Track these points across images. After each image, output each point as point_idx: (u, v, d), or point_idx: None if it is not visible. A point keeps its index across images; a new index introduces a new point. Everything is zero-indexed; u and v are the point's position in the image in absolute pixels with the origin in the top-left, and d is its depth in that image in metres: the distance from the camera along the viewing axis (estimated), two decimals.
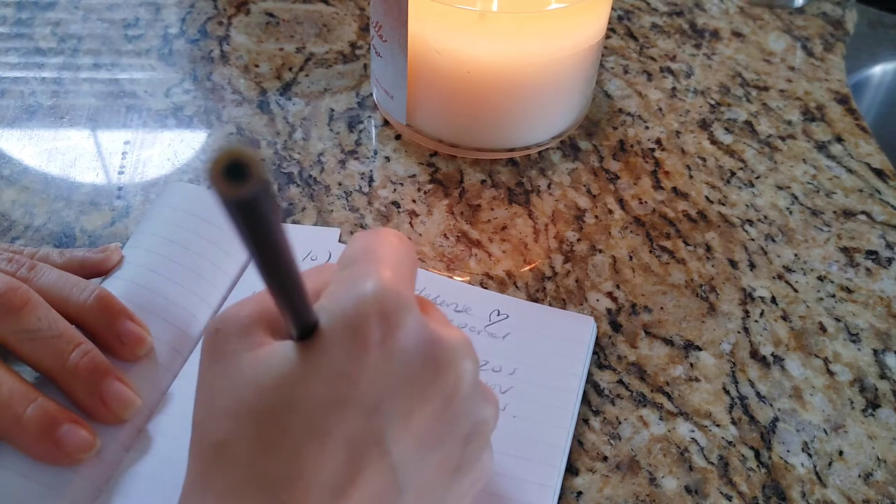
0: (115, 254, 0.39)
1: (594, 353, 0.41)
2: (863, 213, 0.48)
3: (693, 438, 0.38)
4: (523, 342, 0.40)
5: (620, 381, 0.40)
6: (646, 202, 0.48)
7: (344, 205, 0.47)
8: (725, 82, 0.56)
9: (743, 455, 0.38)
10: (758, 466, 0.38)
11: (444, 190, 0.48)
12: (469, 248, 0.45)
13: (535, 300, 0.43)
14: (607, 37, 0.58)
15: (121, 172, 0.48)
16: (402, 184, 0.48)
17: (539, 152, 0.50)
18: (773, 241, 0.47)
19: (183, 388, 0.37)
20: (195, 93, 0.53)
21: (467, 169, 0.49)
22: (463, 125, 0.48)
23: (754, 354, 0.42)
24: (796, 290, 0.44)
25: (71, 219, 0.46)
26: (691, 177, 0.50)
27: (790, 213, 0.48)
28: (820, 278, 0.45)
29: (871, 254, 0.46)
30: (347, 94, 0.53)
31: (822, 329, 0.43)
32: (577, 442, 0.38)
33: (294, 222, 0.46)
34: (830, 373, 0.41)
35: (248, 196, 0.16)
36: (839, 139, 0.53)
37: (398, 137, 0.51)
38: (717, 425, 0.39)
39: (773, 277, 0.45)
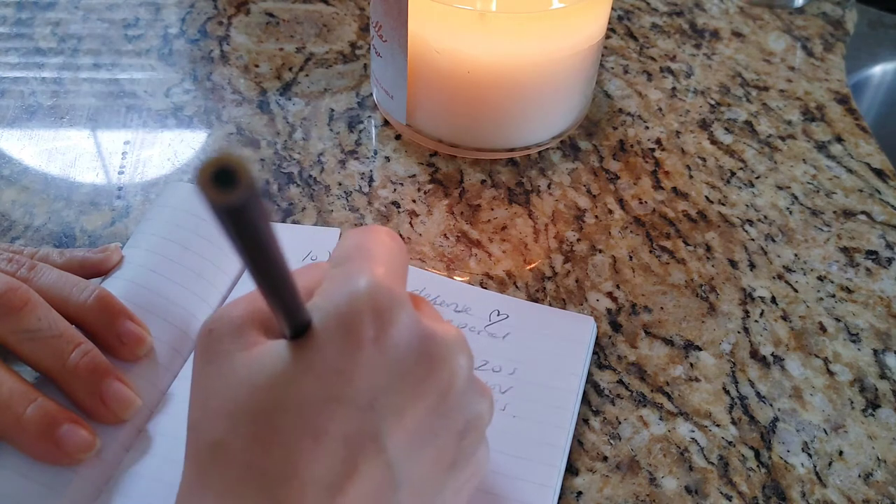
0: (115, 254, 0.39)
1: (594, 353, 0.41)
2: (863, 213, 0.48)
3: (693, 438, 0.38)
4: (523, 342, 0.40)
5: (620, 381, 0.40)
6: (646, 202, 0.48)
7: (344, 205, 0.47)
8: (725, 82, 0.56)
9: (743, 455, 0.38)
10: (758, 466, 0.38)
11: (444, 190, 0.48)
12: (469, 248, 0.45)
13: (535, 300, 0.43)
14: (607, 37, 0.58)
15: (121, 172, 0.48)
16: (402, 184, 0.48)
17: (539, 152, 0.50)
18: (773, 241, 0.47)
19: (183, 388, 0.37)
20: (195, 93, 0.53)
21: (467, 169, 0.49)
22: (463, 125, 0.48)
23: (754, 354, 0.42)
24: (796, 290, 0.44)
25: (71, 219, 0.46)
26: (691, 177, 0.50)
27: (790, 213, 0.48)
28: (820, 278, 0.45)
29: (871, 254, 0.46)
30: (347, 94, 0.53)
31: (822, 329, 0.43)
32: (577, 442, 0.38)
33: (294, 222, 0.46)
34: (830, 373, 0.41)
35: (237, 203, 0.16)
36: (839, 139, 0.53)
37: (398, 137, 0.51)
38: (717, 425, 0.39)
39: (773, 277, 0.45)
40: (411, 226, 0.46)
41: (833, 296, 0.44)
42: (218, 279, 0.40)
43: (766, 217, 0.48)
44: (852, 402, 0.40)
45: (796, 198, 0.49)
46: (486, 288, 0.43)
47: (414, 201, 0.47)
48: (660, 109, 0.54)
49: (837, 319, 0.43)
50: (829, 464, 0.38)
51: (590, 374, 0.40)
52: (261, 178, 0.48)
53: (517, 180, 0.49)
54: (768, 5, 0.62)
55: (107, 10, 0.59)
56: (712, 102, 0.54)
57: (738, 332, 0.42)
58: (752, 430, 0.39)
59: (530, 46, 0.44)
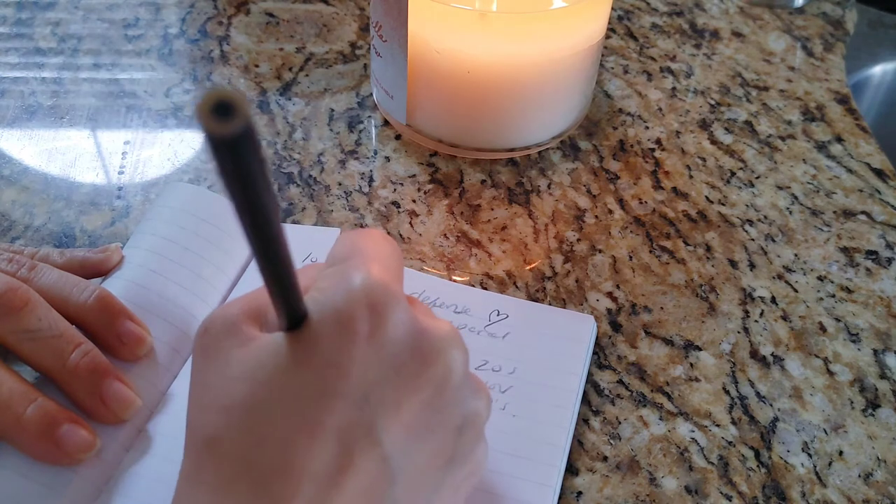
0: (115, 254, 0.39)
1: (594, 352, 0.41)
2: (863, 213, 0.48)
3: (693, 438, 0.38)
4: (523, 342, 0.40)
5: (620, 381, 0.40)
6: (646, 202, 0.48)
7: (344, 205, 0.47)
8: (725, 82, 0.56)
9: (743, 455, 0.38)
10: (758, 466, 0.38)
11: (444, 190, 0.48)
12: (469, 248, 0.45)
13: (535, 300, 0.43)
14: (607, 37, 0.58)
15: (121, 172, 0.48)
16: (402, 184, 0.48)
17: (539, 152, 0.50)
18: (773, 241, 0.47)
19: (183, 388, 0.37)
20: (195, 93, 0.53)
21: (467, 169, 0.49)
22: (463, 125, 0.48)
23: (754, 354, 0.42)
24: (796, 290, 0.44)
25: (71, 219, 0.46)
26: (691, 177, 0.50)
27: (790, 213, 0.48)
28: (820, 278, 0.45)
29: (871, 254, 0.46)
30: (347, 94, 0.53)
31: (822, 329, 0.43)
32: (577, 442, 0.38)
33: (294, 222, 0.46)
34: (830, 373, 0.41)
35: (235, 132, 0.17)
36: (839, 139, 0.53)
37: (398, 137, 0.51)
38: (717, 425, 0.39)
39: (773, 277, 0.45)
40: (411, 226, 0.46)
41: (833, 296, 0.44)
42: (218, 280, 0.40)
43: (766, 217, 0.48)
44: (852, 402, 0.40)
45: (796, 198, 0.49)
46: (486, 288, 0.43)
47: (414, 201, 0.47)
48: (660, 109, 0.54)
49: (837, 319, 0.43)
50: (829, 464, 0.38)
51: (590, 374, 0.40)
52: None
53: (517, 180, 0.49)
54: (768, 5, 0.62)
55: (107, 10, 0.59)
56: (712, 102, 0.54)
57: (738, 332, 0.42)
58: (752, 430, 0.39)
59: (530, 46, 0.44)
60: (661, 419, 0.39)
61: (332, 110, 0.52)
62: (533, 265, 0.45)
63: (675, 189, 0.49)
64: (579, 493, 0.36)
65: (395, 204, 0.47)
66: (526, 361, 0.39)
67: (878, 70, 0.62)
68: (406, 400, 0.27)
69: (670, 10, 0.61)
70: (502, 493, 0.35)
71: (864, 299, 0.44)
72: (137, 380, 0.35)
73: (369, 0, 0.60)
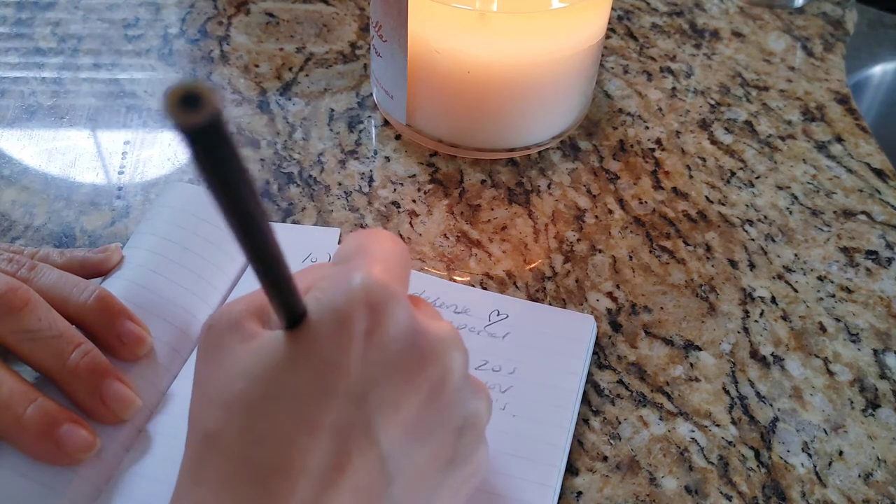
0: (115, 254, 0.39)
1: (594, 352, 0.41)
2: (863, 213, 0.48)
3: (693, 438, 0.38)
4: (523, 342, 0.40)
5: (620, 381, 0.40)
6: (646, 202, 0.48)
7: (344, 205, 0.47)
8: (725, 82, 0.56)
9: (743, 455, 0.38)
10: (758, 466, 0.38)
11: (444, 190, 0.48)
12: (469, 248, 0.45)
13: (535, 300, 0.43)
14: (607, 37, 0.58)
15: (121, 172, 0.48)
16: (402, 184, 0.48)
17: (539, 152, 0.50)
18: (773, 241, 0.47)
19: (183, 388, 0.37)
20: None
21: (467, 169, 0.49)
22: (463, 125, 0.48)
23: (754, 354, 0.42)
24: (796, 290, 0.44)
25: (71, 219, 0.46)
26: (691, 177, 0.50)
27: (790, 213, 0.48)
28: (820, 278, 0.45)
29: (871, 254, 0.46)
30: (347, 94, 0.53)
31: (822, 329, 0.43)
32: (577, 442, 0.38)
33: (294, 222, 0.46)
34: (830, 373, 0.41)
35: (203, 122, 0.17)
36: (839, 139, 0.53)
37: (398, 137, 0.51)
38: (717, 425, 0.39)
39: (773, 277, 0.45)
40: (411, 226, 0.46)
41: (833, 296, 0.44)
42: (218, 280, 0.40)
43: (766, 217, 0.48)
44: (852, 402, 0.40)
45: (796, 198, 0.49)
46: (486, 288, 0.43)
47: (414, 201, 0.47)
48: (660, 109, 0.54)
49: (837, 319, 0.43)
50: (829, 464, 0.38)
51: (590, 374, 0.40)
52: (261, 178, 0.48)
53: (517, 180, 0.49)
54: (768, 5, 0.62)
55: (107, 10, 0.59)
56: (712, 102, 0.54)
57: (738, 332, 0.42)
58: (752, 430, 0.39)
59: (530, 46, 0.44)
60: (661, 419, 0.39)
61: (332, 110, 0.52)
62: (533, 265, 0.45)
63: (675, 189, 0.49)
64: (579, 493, 0.36)
65: (395, 204, 0.47)
66: (526, 361, 0.39)
67: (878, 70, 0.62)
68: (405, 400, 0.27)
69: (670, 10, 0.61)
70: (502, 493, 0.35)
71: (864, 299, 0.44)
72: (137, 380, 0.35)
73: (369, 0, 0.60)
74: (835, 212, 0.48)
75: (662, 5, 0.61)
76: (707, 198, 0.49)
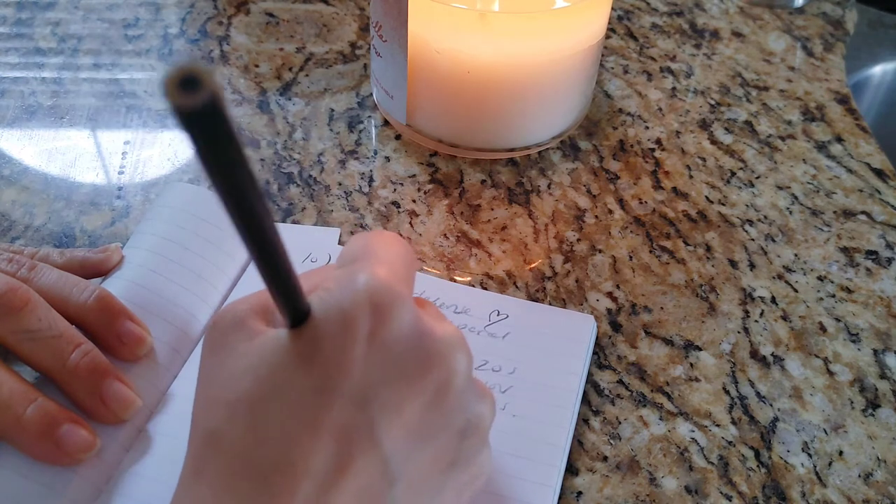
0: (115, 254, 0.39)
1: (594, 352, 0.41)
2: (863, 213, 0.48)
3: (693, 438, 0.38)
4: (523, 342, 0.40)
5: (620, 381, 0.40)
6: (646, 202, 0.48)
7: (344, 205, 0.47)
8: (725, 82, 0.56)
9: (743, 455, 0.38)
10: (758, 466, 0.38)
11: (444, 190, 0.48)
12: (469, 248, 0.45)
13: (535, 300, 0.43)
14: (607, 37, 0.58)
15: (121, 172, 0.48)
16: (402, 184, 0.48)
17: (539, 152, 0.50)
18: (773, 241, 0.47)
19: (183, 388, 0.37)
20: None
21: (467, 169, 0.49)
22: (463, 125, 0.48)
23: (754, 354, 0.42)
24: (796, 290, 0.44)
25: (71, 219, 0.46)
26: (691, 177, 0.50)
27: (790, 213, 0.48)
28: (820, 278, 0.45)
29: (871, 254, 0.46)
30: (347, 94, 0.53)
31: (822, 329, 0.43)
32: (577, 442, 0.38)
33: (294, 222, 0.46)
34: (830, 373, 0.41)
35: (201, 104, 0.17)
36: (839, 139, 0.53)
37: (398, 137, 0.51)
38: (717, 425, 0.39)
39: (773, 277, 0.45)
40: (411, 226, 0.46)
41: (833, 296, 0.44)
42: (218, 280, 0.40)
43: (766, 217, 0.48)
44: (852, 402, 0.40)
45: (796, 198, 0.49)
46: (486, 288, 0.43)
47: (414, 201, 0.47)
48: (660, 109, 0.54)
49: (837, 319, 0.43)
50: (829, 464, 0.38)
51: (590, 374, 0.40)
52: (261, 178, 0.48)
53: (517, 180, 0.49)
54: (768, 5, 0.62)
55: (107, 10, 0.59)
56: (712, 102, 0.54)
57: (738, 332, 0.42)
58: (752, 430, 0.39)
59: (530, 46, 0.44)
60: (661, 419, 0.39)
61: (332, 110, 0.52)
62: (533, 265, 0.45)
63: (675, 189, 0.49)
64: (579, 493, 0.36)
65: (395, 204, 0.47)
66: (526, 361, 0.39)
67: (878, 70, 0.62)
68: (408, 402, 0.27)
69: (670, 10, 0.61)
70: (502, 493, 0.35)
71: (864, 299, 0.44)
72: (137, 380, 0.35)
73: (369, 0, 0.60)
74: (835, 212, 0.48)
75: (662, 5, 0.61)
76: (707, 198, 0.49)
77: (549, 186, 0.49)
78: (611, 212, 0.47)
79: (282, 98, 0.53)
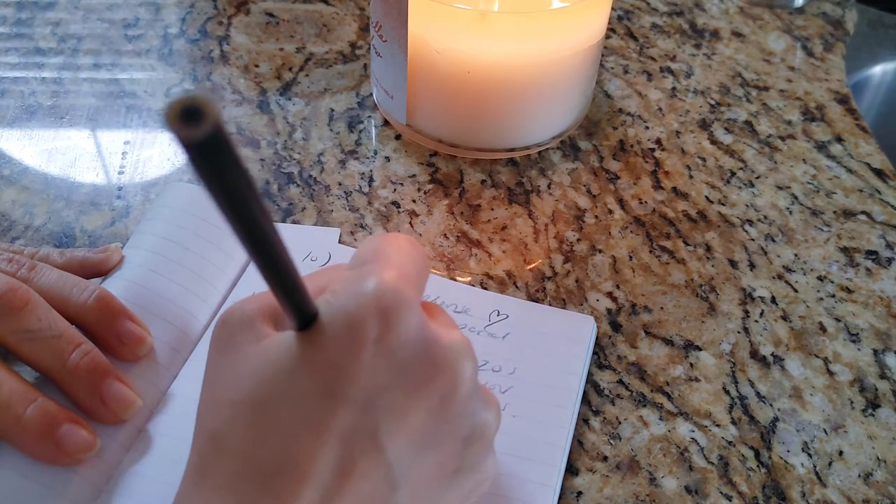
0: (115, 254, 0.39)
1: (594, 352, 0.41)
2: (863, 213, 0.48)
3: (693, 438, 0.38)
4: (523, 342, 0.40)
5: (620, 381, 0.40)
6: (646, 202, 0.48)
7: (344, 205, 0.47)
8: (725, 82, 0.56)
9: (743, 455, 0.38)
10: (758, 466, 0.38)
11: (444, 190, 0.48)
12: (469, 248, 0.45)
13: (535, 300, 0.43)
14: (607, 37, 0.58)
15: (121, 172, 0.48)
16: (402, 184, 0.48)
17: (539, 152, 0.50)
18: (773, 241, 0.47)
19: (183, 388, 0.37)
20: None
21: (467, 169, 0.49)
22: (463, 125, 0.48)
23: (754, 354, 0.42)
24: (796, 290, 0.44)
25: (71, 219, 0.46)
26: (691, 177, 0.50)
27: (790, 213, 0.48)
28: (820, 278, 0.45)
29: (871, 254, 0.46)
30: (347, 94, 0.53)
31: (822, 329, 0.43)
32: (577, 442, 0.38)
33: (294, 222, 0.46)
34: (830, 373, 0.41)
35: (204, 136, 0.17)
36: (839, 139, 0.53)
37: (398, 137, 0.51)
38: (717, 425, 0.39)
39: (773, 277, 0.45)
40: (411, 226, 0.46)
41: (833, 296, 0.44)
42: (218, 280, 0.40)
43: (766, 217, 0.48)
44: (852, 402, 0.40)
45: (796, 198, 0.49)
46: (486, 288, 0.43)
47: (414, 201, 0.47)
48: (660, 109, 0.54)
49: (837, 319, 0.43)
50: (829, 464, 0.38)
51: (590, 374, 0.40)
52: (261, 178, 0.48)
53: (517, 180, 0.49)
54: (768, 5, 0.62)
55: (107, 10, 0.59)
56: (712, 102, 0.54)
57: (738, 332, 0.42)
58: (752, 430, 0.39)
59: (530, 46, 0.44)
60: (661, 419, 0.39)
61: (332, 110, 0.52)
62: (533, 265, 0.45)
63: (675, 189, 0.49)
64: (579, 493, 0.36)
65: (395, 204, 0.47)
66: (526, 361, 0.39)
67: (878, 70, 0.62)
68: (412, 408, 0.27)
69: (670, 10, 0.61)
70: (502, 493, 0.35)
71: (864, 299, 0.44)
72: (137, 380, 0.35)
73: (369, 0, 0.60)
74: (835, 212, 0.48)
75: (662, 5, 0.61)
76: (707, 198, 0.49)
77: (549, 186, 0.49)
78: (611, 212, 0.47)
79: (282, 98, 0.53)
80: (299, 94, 0.53)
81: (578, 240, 0.46)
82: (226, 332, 0.28)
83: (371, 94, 0.53)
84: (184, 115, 0.17)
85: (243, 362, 0.27)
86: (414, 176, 0.49)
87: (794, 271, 0.45)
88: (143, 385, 0.35)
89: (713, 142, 0.52)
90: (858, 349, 0.42)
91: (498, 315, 0.41)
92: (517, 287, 0.44)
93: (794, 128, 0.53)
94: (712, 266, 0.45)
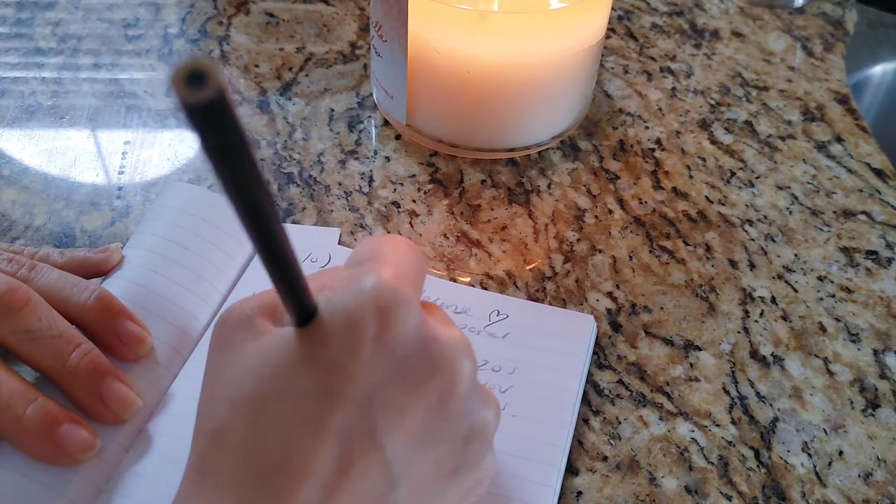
0: (115, 254, 0.39)
1: (594, 353, 0.41)
2: (863, 213, 0.48)
3: (693, 438, 0.38)
4: (523, 342, 0.40)
5: (620, 381, 0.40)
6: (646, 202, 0.48)
7: (344, 205, 0.47)
8: (725, 82, 0.56)
9: (743, 455, 0.38)
10: (758, 466, 0.38)
11: (444, 190, 0.48)
12: (469, 248, 0.45)
13: (535, 300, 0.43)
14: (607, 37, 0.58)
15: (121, 172, 0.48)
16: (402, 184, 0.48)
17: (539, 152, 0.50)
18: (773, 241, 0.47)
19: (183, 388, 0.37)
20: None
21: (467, 169, 0.49)
22: (463, 125, 0.48)
23: (754, 354, 0.42)
24: (796, 290, 0.44)
25: (71, 219, 0.46)
26: (691, 177, 0.50)
27: (790, 213, 0.48)
28: (820, 278, 0.45)
29: (871, 254, 0.46)
30: (347, 94, 0.53)
31: (822, 329, 0.43)
32: (577, 442, 0.38)
33: (294, 222, 0.46)
34: (830, 373, 0.41)
35: (208, 98, 0.17)
36: (839, 139, 0.53)
37: (398, 137, 0.51)
38: (717, 425, 0.39)
39: (773, 277, 0.45)
40: (411, 226, 0.46)
41: (833, 296, 0.44)
42: (218, 280, 0.40)
43: (766, 217, 0.48)
44: (852, 402, 0.40)
45: (796, 198, 0.49)
46: (486, 288, 0.43)
47: (414, 201, 0.47)
48: (660, 109, 0.54)
49: (837, 319, 0.43)
50: (829, 464, 0.38)
51: (590, 374, 0.40)
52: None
53: (517, 180, 0.49)
54: (768, 5, 0.62)
55: (107, 10, 0.59)
56: (712, 102, 0.54)
57: (738, 332, 0.42)
58: (752, 430, 0.39)
59: (530, 46, 0.44)
60: (661, 419, 0.39)
61: (332, 110, 0.52)
62: (533, 265, 0.45)
63: (675, 189, 0.49)
64: (579, 493, 0.36)
65: (395, 204, 0.47)
66: (526, 361, 0.39)
67: (878, 70, 0.62)
68: (411, 406, 0.27)
69: (670, 10, 0.61)
70: (502, 493, 0.35)
71: (864, 299, 0.44)
72: (137, 380, 0.35)
73: (369, 0, 0.60)
74: (835, 212, 0.48)
75: (662, 5, 0.61)
76: (707, 198, 0.49)
77: (549, 186, 0.49)
78: (611, 212, 0.47)
79: (282, 98, 0.53)
80: (299, 94, 0.53)
81: (578, 240, 0.46)
82: (225, 331, 0.28)
83: (371, 94, 0.53)
84: (189, 79, 0.17)
85: (242, 361, 0.27)
86: (414, 176, 0.49)
87: (794, 271, 0.45)
88: (143, 385, 0.35)
89: (713, 142, 0.52)
90: (858, 349, 0.42)
91: (498, 315, 0.41)
92: (517, 287, 0.44)
93: (794, 128, 0.53)
94: (712, 266, 0.45)
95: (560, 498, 0.36)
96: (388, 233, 0.46)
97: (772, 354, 0.42)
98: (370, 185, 0.48)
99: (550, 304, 0.43)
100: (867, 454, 0.38)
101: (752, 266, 0.45)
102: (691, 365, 0.41)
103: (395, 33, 0.45)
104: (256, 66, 0.55)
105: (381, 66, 0.48)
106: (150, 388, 0.36)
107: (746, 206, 0.48)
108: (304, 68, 0.55)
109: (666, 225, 0.47)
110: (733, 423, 0.39)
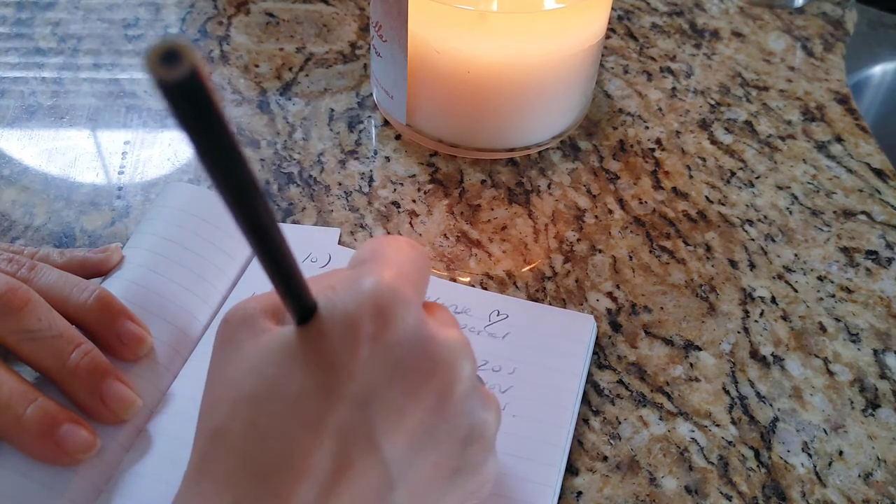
0: (115, 254, 0.39)
1: (594, 352, 0.41)
2: (863, 213, 0.48)
3: (693, 438, 0.38)
4: (523, 342, 0.40)
5: (620, 381, 0.40)
6: (646, 202, 0.48)
7: (344, 205, 0.47)
8: (725, 82, 0.56)
9: (743, 455, 0.38)
10: (758, 466, 0.38)
11: (444, 190, 0.48)
12: (469, 248, 0.45)
13: (535, 300, 0.43)
14: (607, 37, 0.58)
15: (121, 172, 0.48)
16: (402, 184, 0.48)
17: (539, 152, 0.50)
18: (773, 241, 0.47)
19: (183, 388, 0.37)
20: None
21: (467, 169, 0.49)
22: (463, 125, 0.48)
23: (754, 354, 0.42)
24: (796, 290, 0.44)
25: (71, 219, 0.46)
26: (691, 177, 0.50)
27: (790, 213, 0.48)
28: (820, 278, 0.45)
29: (871, 254, 0.46)
30: (347, 94, 0.53)
31: (822, 329, 0.43)
32: (577, 442, 0.38)
33: (294, 222, 0.46)
34: (830, 373, 0.41)
35: (182, 76, 0.17)
36: (839, 139, 0.53)
37: (398, 137, 0.51)
38: (717, 425, 0.39)
39: (773, 277, 0.45)
40: (411, 226, 0.46)
41: (833, 296, 0.44)
42: (218, 280, 0.40)
43: (766, 217, 0.48)
44: (852, 402, 0.40)
45: (796, 198, 0.49)
46: (486, 288, 0.43)
47: (414, 201, 0.47)
48: (660, 109, 0.54)
49: (837, 319, 0.43)
50: (829, 464, 0.38)
51: (590, 374, 0.40)
52: (261, 178, 0.48)
53: (517, 180, 0.49)
54: (768, 5, 0.62)
55: (107, 10, 0.59)
56: (712, 102, 0.54)
57: (738, 332, 0.42)
58: (752, 430, 0.39)
59: (530, 46, 0.44)
60: (661, 419, 0.39)
61: (332, 110, 0.52)
62: (533, 265, 0.45)
63: (675, 189, 0.49)
64: (579, 493, 0.36)
65: (395, 204, 0.47)
66: (526, 361, 0.39)
67: (878, 70, 0.62)
68: (409, 406, 0.27)
69: (670, 10, 0.61)
70: (502, 493, 0.35)
71: (864, 299, 0.44)
72: (137, 380, 0.35)
73: (369, 0, 0.60)
74: (835, 212, 0.48)
75: (662, 5, 0.61)
76: (707, 198, 0.49)
77: (549, 186, 0.49)
78: (611, 212, 0.47)
79: (282, 98, 0.53)
80: (299, 94, 0.53)
81: (578, 240, 0.46)
82: (229, 330, 0.28)
83: (371, 94, 0.53)
84: (163, 59, 0.17)
85: (244, 359, 0.27)
86: (414, 176, 0.49)
87: (794, 271, 0.45)
88: (143, 385, 0.35)
89: (713, 142, 0.52)
90: (858, 349, 0.42)
91: (498, 315, 0.41)
92: (517, 287, 0.44)
93: (794, 128, 0.53)
94: (712, 266, 0.45)
95: (560, 498, 0.36)
96: (388, 233, 0.46)
97: (772, 354, 0.42)
98: (370, 185, 0.48)
99: (550, 304, 0.43)
100: (867, 454, 0.38)
101: (752, 266, 0.45)
102: (691, 365, 0.41)
103: (395, 33, 0.45)
104: (256, 66, 0.55)
105: (381, 66, 0.48)
106: (150, 388, 0.36)
107: (746, 206, 0.48)
108: (304, 68, 0.55)
109: (666, 225, 0.47)
110: (733, 423, 0.39)
